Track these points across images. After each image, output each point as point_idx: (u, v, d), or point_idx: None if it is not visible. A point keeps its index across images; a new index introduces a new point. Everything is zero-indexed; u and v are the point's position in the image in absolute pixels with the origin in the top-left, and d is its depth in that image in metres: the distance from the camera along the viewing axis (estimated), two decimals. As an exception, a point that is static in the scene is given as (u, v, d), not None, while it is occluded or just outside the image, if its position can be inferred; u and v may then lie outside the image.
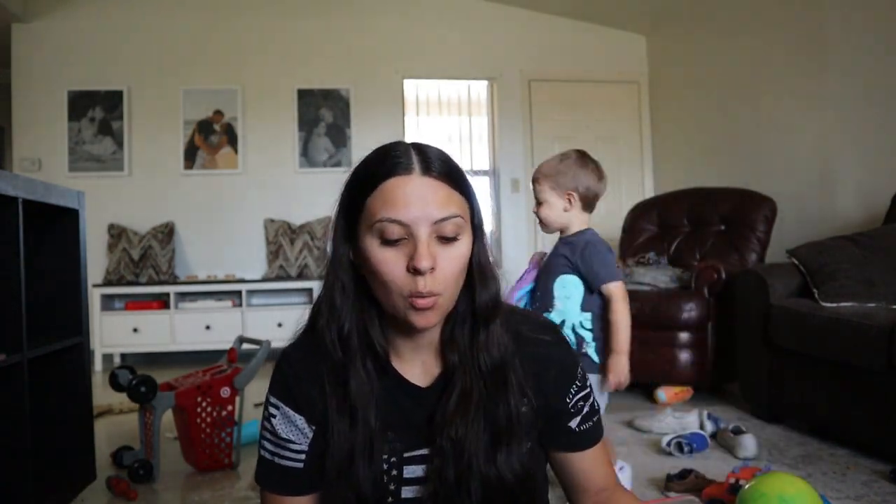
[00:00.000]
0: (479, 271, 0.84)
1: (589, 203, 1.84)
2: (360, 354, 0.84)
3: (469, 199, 0.82)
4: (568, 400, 0.89)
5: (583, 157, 1.82)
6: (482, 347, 0.84)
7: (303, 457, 0.86)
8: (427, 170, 0.78)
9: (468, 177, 0.84)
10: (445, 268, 0.78)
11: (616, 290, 1.73)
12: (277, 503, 0.89)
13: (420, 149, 0.80)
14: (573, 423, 0.90)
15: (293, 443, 0.86)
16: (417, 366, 0.88)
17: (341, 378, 0.83)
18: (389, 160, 0.79)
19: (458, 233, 0.78)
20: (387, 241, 0.77)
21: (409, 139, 0.92)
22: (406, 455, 0.86)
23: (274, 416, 0.87)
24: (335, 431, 0.83)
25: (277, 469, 0.87)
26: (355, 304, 0.84)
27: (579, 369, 0.91)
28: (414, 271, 0.76)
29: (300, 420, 0.86)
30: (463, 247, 0.80)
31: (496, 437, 0.83)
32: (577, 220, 1.84)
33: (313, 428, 0.86)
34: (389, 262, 0.77)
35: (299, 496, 0.88)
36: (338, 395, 0.83)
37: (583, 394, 0.91)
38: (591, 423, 0.92)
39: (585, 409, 0.91)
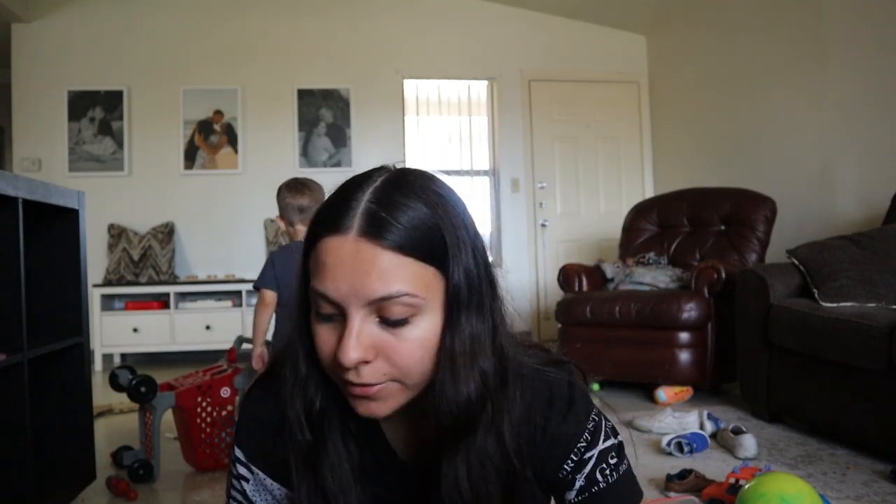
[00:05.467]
0: (449, 362, 0.62)
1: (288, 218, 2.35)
2: (336, 432, 0.68)
3: (444, 267, 0.62)
4: (560, 475, 0.73)
5: (287, 184, 2.36)
6: (475, 457, 0.66)
7: None
8: (369, 231, 0.59)
9: (455, 231, 0.62)
10: (393, 356, 0.61)
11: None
12: None
13: (380, 194, 0.61)
14: (570, 496, 0.73)
15: None
16: (407, 431, 0.73)
17: (309, 461, 0.68)
18: (332, 210, 0.61)
19: (411, 314, 0.60)
20: (320, 316, 0.62)
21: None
22: None
23: (246, 481, 0.74)
24: None
25: None
26: (325, 372, 0.66)
27: (582, 439, 0.72)
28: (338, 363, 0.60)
29: (277, 489, 0.74)
30: (418, 330, 0.61)
31: None
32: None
33: (286, 491, 0.74)
34: (323, 339, 0.62)
35: None
36: (307, 480, 0.68)
37: (577, 466, 0.72)
38: (591, 492, 0.72)
39: (580, 483, 0.72)
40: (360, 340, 0.59)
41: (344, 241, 0.59)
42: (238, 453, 0.74)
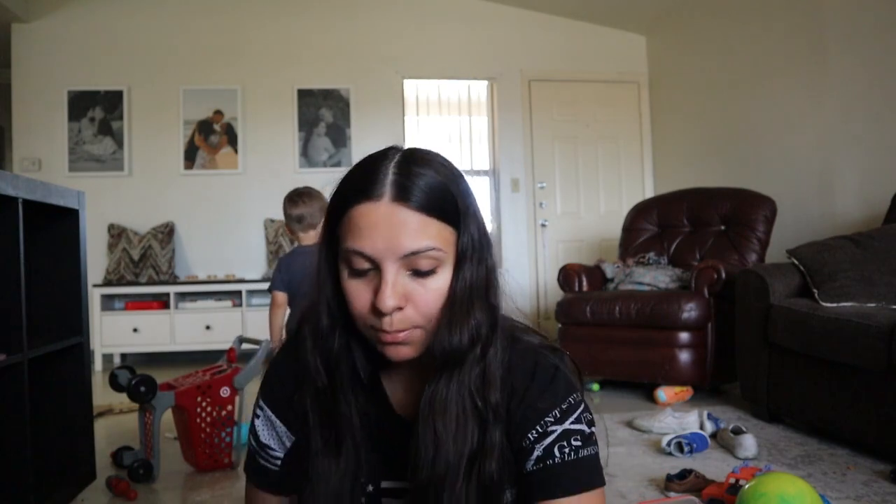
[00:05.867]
0: (452, 305, 0.72)
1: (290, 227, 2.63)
2: (347, 379, 0.78)
3: (457, 226, 0.73)
4: (524, 443, 0.77)
5: (286, 196, 2.62)
6: (464, 390, 0.74)
7: (278, 462, 0.86)
8: (399, 196, 0.69)
9: (464, 197, 0.74)
10: (420, 304, 0.71)
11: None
12: (254, 495, 0.89)
13: (403, 167, 0.72)
14: (528, 466, 0.77)
15: (271, 448, 0.86)
16: (409, 386, 0.82)
17: (326, 404, 0.78)
18: (361, 182, 0.71)
19: (436, 266, 0.71)
20: (354, 272, 0.71)
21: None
22: (384, 485, 0.82)
23: (258, 417, 0.87)
24: (319, 459, 0.79)
25: (257, 465, 0.88)
26: (344, 327, 0.77)
27: (551, 414, 0.77)
28: (378, 311, 0.69)
29: (281, 428, 0.85)
30: (441, 280, 0.72)
31: (485, 486, 0.75)
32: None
33: (293, 438, 0.84)
34: (356, 294, 0.71)
35: (273, 494, 0.88)
36: (322, 421, 0.79)
37: (539, 437, 0.76)
38: (545, 464, 0.76)
39: (537, 453, 0.76)
40: (395, 289, 0.69)
41: (377, 206, 0.69)
42: (259, 398, 0.87)
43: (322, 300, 0.77)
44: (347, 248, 0.70)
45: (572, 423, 0.77)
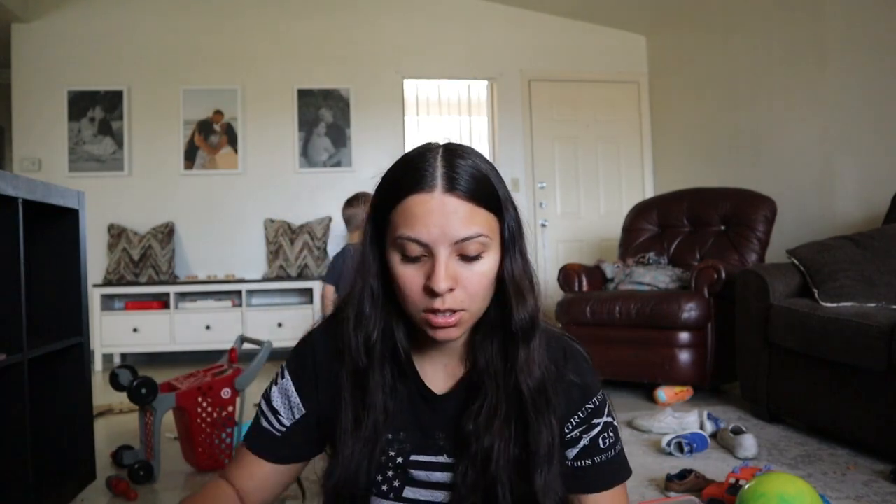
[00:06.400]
0: (514, 287, 0.81)
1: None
2: (383, 360, 0.84)
3: (500, 214, 0.79)
4: (567, 429, 0.86)
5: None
6: (522, 368, 0.81)
7: (283, 430, 0.89)
8: (451, 187, 0.75)
9: (502, 187, 0.81)
10: (467, 286, 0.77)
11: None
12: (244, 457, 0.91)
13: (449, 160, 0.77)
14: (570, 454, 0.87)
15: (279, 414, 0.90)
16: (440, 368, 0.88)
17: (361, 382, 0.84)
18: (413, 174, 0.77)
19: (482, 251, 0.77)
20: (407, 258, 0.77)
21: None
22: (413, 458, 0.87)
23: (276, 385, 0.91)
24: (348, 434, 0.84)
25: (260, 427, 0.91)
26: (384, 310, 0.83)
27: (591, 402, 0.86)
28: (430, 293, 0.75)
29: (295, 399, 0.89)
30: (486, 264, 0.78)
31: (536, 460, 0.81)
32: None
33: (303, 412, 0.89)
34: (408, 278, 0.77)
35: (265, 461, 0.90)
36: (355, 398, 0.84)
37: (584, 426, 0.86)
38: (590, 461, 0.86)
39: (583, 443, 0.86)
40: (448, 272, 0.75)
41: (431, 196, 0.74)
42: (284, 365, 0.92)
43: (366, 286, 0.83)
44: (402, 235, 0.75)
45: (607, 415, 0.87)
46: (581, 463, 0.86)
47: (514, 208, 0.82)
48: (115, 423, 2.87)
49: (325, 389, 0.87)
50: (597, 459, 0.86)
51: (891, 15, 3.10)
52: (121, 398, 3.00)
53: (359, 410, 0.84)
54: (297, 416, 0.89)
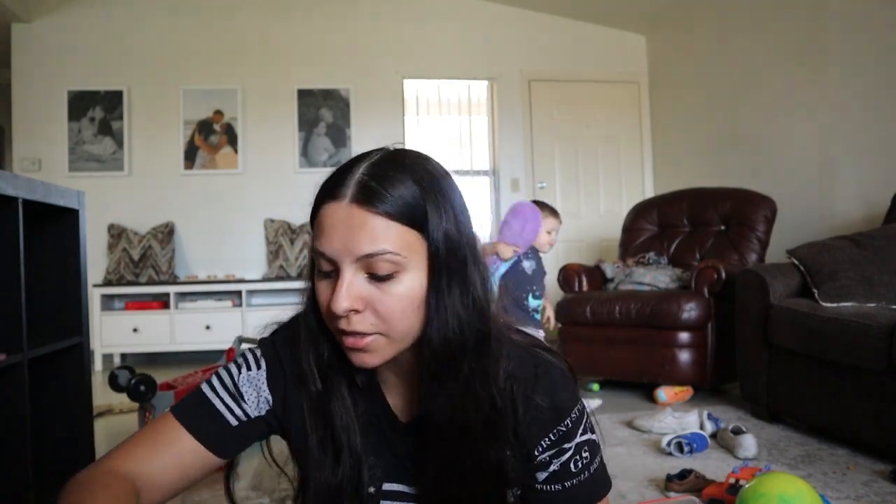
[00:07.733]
0: (435, 313, 0.70)
1: None
2: (343, 383, 0.78)
3: (426, 232, 0.69)
4: (537, 451, 0.78)
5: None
6: (463, 394, 0.73)
7: (242, 419, 0.80)
8: (361, 198, 0.67)
9: (441, 201, 0.71)
10: (379, 308, 0.69)
11: None
12: (170, 438, 0.78)
13: (375, 166, 0.70)
14: (540, 477, 0.80)
15: (243, 401, 0.80)
16: (405, 390, 0.81)
17: (321, 408, 0.77)
18: (331, 180, 0.71)
19: (395, 271, 0.68)
20: (321, 272, 0.71)
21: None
22: (385, 487, 0.81)
23: (248, 369, 0.81)
24: (319, 464, 0.77)
25: (210, 407, 0.79)
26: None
27: (563, 423, 0.78)
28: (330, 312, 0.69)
29: (264, 389, 0.81)
30: (403, 286, 0.69)
31: (505, 482, 0.77)
32: None
33: (266, 410, 0.81)
34: (321, 294, 0.71)
35: (200, 445, 0.79)
36: (319, 425, 0.77)
37: (554, 450, 0.78)
38: (560, 486, 0.79)
39: (553, 468, 0.79)
40: (349, 291, 0.68)
41: (339, 206, 0.68)
42: (256, 350, 0.83)
43: (309, 302, 0.76)
44: (314, 247, 0.70)
45: (582, 434, 0.80)
46: (550, 487, 0.79)
47: (460, 224, 0.72)
48: (115, 423, 2.87)
49: (292, 402, 0.80)
50: (567, 484, 0.79)
51: (891, 15, 3.10)
52: (121, 398, 3.00)
53: (322, 434, 0.77)
54: (259, 414, 0.81)
